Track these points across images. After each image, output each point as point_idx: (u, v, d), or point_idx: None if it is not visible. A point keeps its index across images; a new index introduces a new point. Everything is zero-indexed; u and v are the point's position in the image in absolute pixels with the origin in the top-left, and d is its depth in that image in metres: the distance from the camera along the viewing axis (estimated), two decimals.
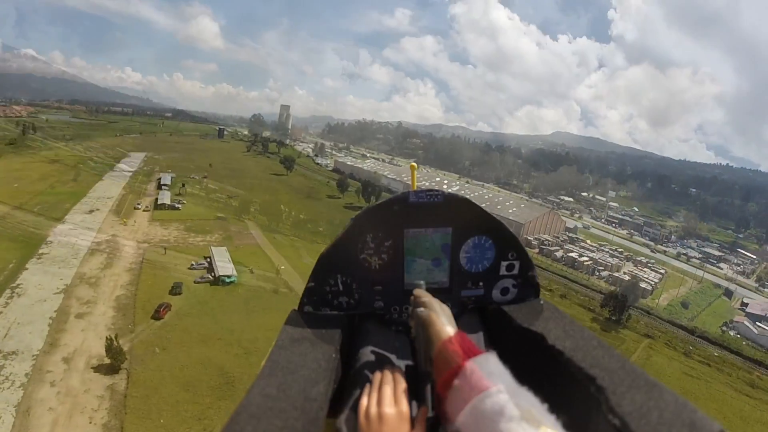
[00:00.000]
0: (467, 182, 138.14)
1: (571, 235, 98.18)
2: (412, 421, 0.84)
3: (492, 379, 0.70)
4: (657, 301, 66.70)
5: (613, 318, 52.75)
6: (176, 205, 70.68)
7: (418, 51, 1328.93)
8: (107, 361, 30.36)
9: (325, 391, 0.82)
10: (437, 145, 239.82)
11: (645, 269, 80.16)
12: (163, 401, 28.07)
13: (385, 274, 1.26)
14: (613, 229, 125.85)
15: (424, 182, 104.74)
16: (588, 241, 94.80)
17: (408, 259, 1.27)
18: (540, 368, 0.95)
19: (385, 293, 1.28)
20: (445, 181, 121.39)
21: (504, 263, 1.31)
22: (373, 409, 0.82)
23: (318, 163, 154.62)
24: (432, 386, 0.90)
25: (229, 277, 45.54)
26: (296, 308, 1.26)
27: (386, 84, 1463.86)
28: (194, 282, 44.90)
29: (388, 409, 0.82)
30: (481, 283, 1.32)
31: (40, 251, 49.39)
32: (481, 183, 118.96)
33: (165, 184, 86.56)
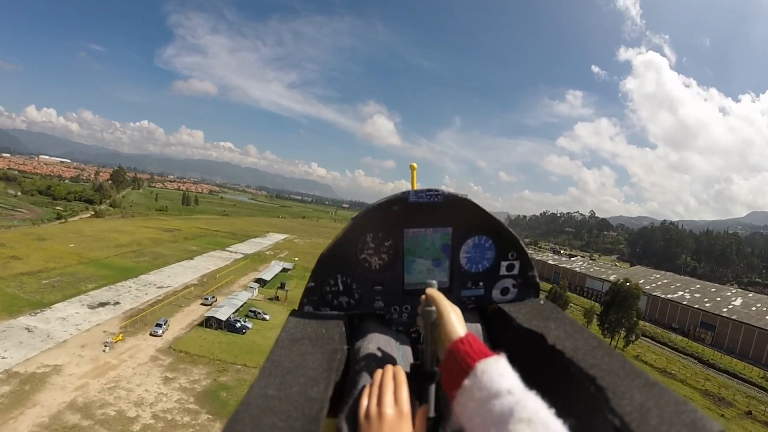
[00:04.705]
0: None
1: None
2: (413, 420, 0.82)
3: (502, 381, 0.69)
4: None
5: None
6: (240, 324, 40.02)
7: (593, 136, 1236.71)
8: None
9: (325, 391, 0.80)
10: (646, 236, 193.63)
11: None
12: None
13: (385, 274, 1.24)
14: None
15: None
16: None
17: (408, 259, 1.24)
18: (540, 368, 0.93)
19: (385, 293, 1.25)
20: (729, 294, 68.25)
21: (504, 263, 1.28)
22: (374, 409, 0.80)
23: None
24: (437, 385, 0.88)
25: None
26: (296, 308, 1.23)
27: (561, 176, 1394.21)
28: None
29: (389, 408, 0.80)
30: (481, 283, 1.29)
31: None
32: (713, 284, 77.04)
33: (260, 280, 58.82)
